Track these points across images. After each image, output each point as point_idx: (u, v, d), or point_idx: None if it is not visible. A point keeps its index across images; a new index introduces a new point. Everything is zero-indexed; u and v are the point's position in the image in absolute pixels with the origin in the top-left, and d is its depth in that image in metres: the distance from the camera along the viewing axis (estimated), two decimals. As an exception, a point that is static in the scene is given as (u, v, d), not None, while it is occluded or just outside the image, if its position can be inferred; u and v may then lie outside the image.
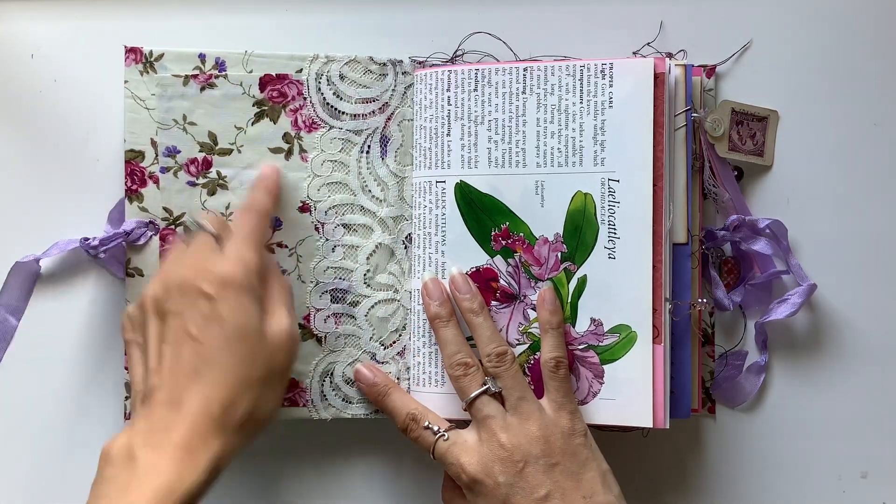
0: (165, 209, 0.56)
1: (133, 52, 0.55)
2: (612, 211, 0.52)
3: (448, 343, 0.52)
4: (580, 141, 0.52)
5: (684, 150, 0.54)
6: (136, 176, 0.56)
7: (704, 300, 0.56)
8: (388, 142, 0.56)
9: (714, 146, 0.57)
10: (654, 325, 0.51)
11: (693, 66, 0.55)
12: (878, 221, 0.58)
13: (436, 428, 0.51)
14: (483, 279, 0.54)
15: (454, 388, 0.51)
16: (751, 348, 0.58)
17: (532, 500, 0.47)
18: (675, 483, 0.58)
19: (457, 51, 0.58)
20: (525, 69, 0.53)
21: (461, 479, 0.49)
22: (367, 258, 0.56)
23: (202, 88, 0.55)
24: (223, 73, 0.55)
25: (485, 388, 0.50)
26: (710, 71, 0.57)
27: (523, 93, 0.53)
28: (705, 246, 0.57)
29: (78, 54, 0.58)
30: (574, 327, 0.53)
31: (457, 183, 0.54)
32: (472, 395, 0.50)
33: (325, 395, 0.56)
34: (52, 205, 0.59)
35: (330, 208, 0.56)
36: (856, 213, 0.58)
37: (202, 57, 0.55)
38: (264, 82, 0.56)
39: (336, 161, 0.56)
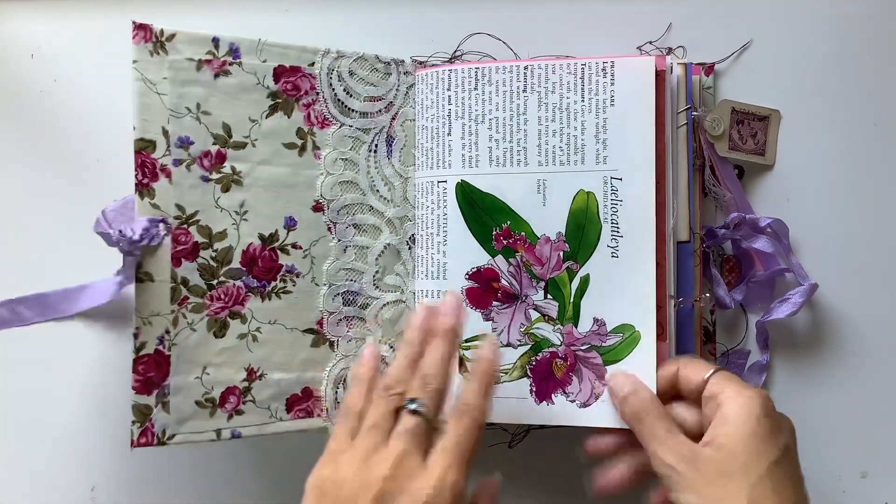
0: (178, 206, 0.51)
1: (142, 30, 0.51)
2: (614, 209, 0.52)
3: None
4: (582, 139, 0.52)
5: (686, 148, 0.54)
6: (146, 168, 0.51)
7: (706, 295, 0.56)
8: (392, 141, 0.56)
9: (714, 145, 0.57)
10: (658, 323, 0.51)
11: (692, 63, 0.55)
12: (879, 221, 0.58)
13: None
14: (484, 279, 0.53)
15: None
16: (752, 347, 0.58)
17: None
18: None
19: (456, 51, 0.58)
20: (525, 67, 0.53)
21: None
22: (377, 259, 0.56)
23: (216, 75, 0.52)
24: (237, 59, 0.52)
25: None
26: (709, 69, 0.57)
27: (524, 91, 0.53)
28: (706, 244, 0.57)
29: (78, 54, 0.58)
30: (576, 328, 0.52)
31: (458, 182, 0.54)
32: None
33: (339, 403, 0.54)
34: (51, 203, 0.58)
35: (342, 207, 0.55)
36: (857, 212, 0.58)
37: (216, 41, 0.52)
38: (278, 73, 0.53)
39: (347, 159, 0.55)
